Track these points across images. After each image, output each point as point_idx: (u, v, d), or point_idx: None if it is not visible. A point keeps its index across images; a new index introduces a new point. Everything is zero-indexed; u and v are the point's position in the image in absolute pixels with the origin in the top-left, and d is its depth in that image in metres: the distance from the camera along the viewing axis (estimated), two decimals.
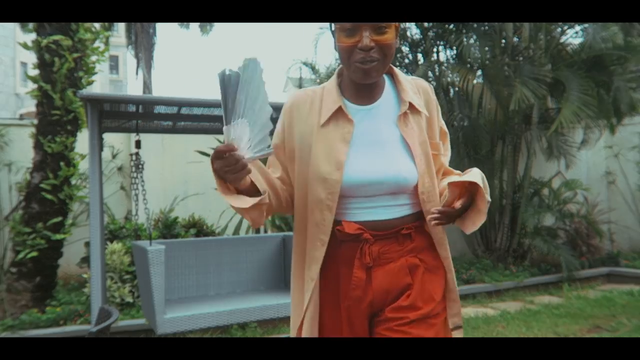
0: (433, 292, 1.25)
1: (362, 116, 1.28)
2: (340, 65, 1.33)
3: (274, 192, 1.28)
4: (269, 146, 1.17)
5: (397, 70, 1.36)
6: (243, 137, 1.13)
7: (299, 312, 1.27)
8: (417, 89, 1.34)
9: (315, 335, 1.23)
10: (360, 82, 1.25)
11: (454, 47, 6.22)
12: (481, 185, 1.18)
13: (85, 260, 4.95)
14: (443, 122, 1.40)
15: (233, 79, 1.13)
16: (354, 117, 1.27)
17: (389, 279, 1.23)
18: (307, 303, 1.24)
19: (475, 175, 1.19)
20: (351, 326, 1.23)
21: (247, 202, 1.16)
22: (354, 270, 1.23)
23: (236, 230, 5.47)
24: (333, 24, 1.26)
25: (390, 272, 1.23)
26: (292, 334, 1.29)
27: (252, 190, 1.20)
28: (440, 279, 1.28)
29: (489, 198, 1.20)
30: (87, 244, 4.73)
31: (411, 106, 1.29)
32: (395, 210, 1.26)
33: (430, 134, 1.32)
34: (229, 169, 1.11)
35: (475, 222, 1.22)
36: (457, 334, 1.28)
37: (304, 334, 1.23)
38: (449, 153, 1.39)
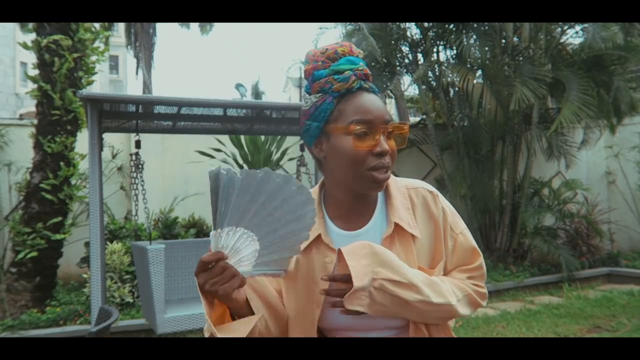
0: None
1: (347, 243, 1.03)
2: (322, 179, 1.14)
3: (271, 313, 1.07)
4: (285, 271, 0.99)
5: (391, 178, 1.12)
6: (240, 249, 0.97)
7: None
8: (411, 200, 1.11)
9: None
10: (369, 192, 1.08)
11: (454, 47, 6.22)
12: (346, 256, 0.98)
13: (85, 260, 4.95)
14: (462, 233, 1.13)
15: (227, 180, 0.97)
16: (338, 244, 1.05)
17: None
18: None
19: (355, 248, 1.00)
20: None
21: (238, 331, 0.98)
22: None
23: None
24: (333, 124, 1.03)
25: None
26: None
27: (246, 311, 1.02)
28: None
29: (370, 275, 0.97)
30: (87, 244, 4.73)
31: (397, 228, 1.07)
32: (393, 334, 1.10)
33: (428, 255, 1.10)
34: (215, 280, 0.92)
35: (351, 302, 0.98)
36: None
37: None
38: (475, 269, 1.13)
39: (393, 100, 8.21)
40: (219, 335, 0.95)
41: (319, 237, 1.07)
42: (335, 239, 1.08)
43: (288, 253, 0.99)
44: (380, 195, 1.12)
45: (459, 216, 1.16)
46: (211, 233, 0.97)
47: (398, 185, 1.13)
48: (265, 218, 0.97)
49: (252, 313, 1.01)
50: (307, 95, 1.08)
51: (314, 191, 1.14)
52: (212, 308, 0.98)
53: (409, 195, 1.12)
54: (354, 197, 1.08)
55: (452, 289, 1.07)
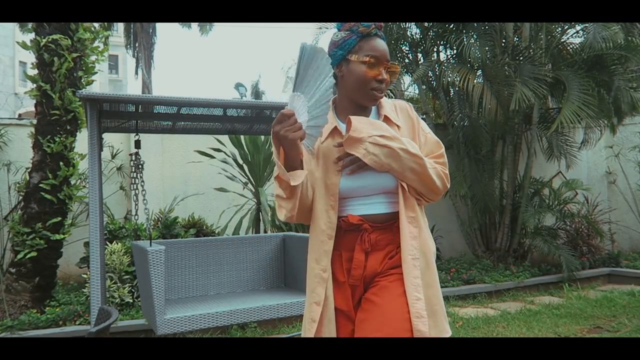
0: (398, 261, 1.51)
1: None
2: (334, 96, 1.58)
3: (308, 175, 1.50)
4: (313, 149, 1.43)
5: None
6: (300, 113, 1.32)
7: (315, 302, 1.50)
8: (395, 107, 1.60)
9: (334, 335, 1.45)
10: (367, 104, 1.54)
11: (454, 47, 6.21)
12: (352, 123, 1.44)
13: (85, 260, 4.95)
14: (429, 133, 1.60)
15: (309, 52, 1.31)
16: (346, 133, 1.49)
17: (379, 261, 1.50)
18: (322, 305, 1.47)
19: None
20: (353, 296, 1.50)
21: (299, 176, 1.38)
22: (355, 254, 1.48)
23: (236, 230, 5.46)
24: (353, 54, 1.49)
25: (381, 256, 1.50)
26: (306, 322, 1.49)
27: (298, 165, 1.40)
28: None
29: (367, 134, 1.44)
30: (87, 244, 4.72)
31: (387, 119, 1.54)
32: (389, 206, 1.51)
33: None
34: (289, 128, 1.29)
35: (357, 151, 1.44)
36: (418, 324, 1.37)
37: (324, 334, 1.44)
38: (439, 155, 1.58)
39: None
40: (287, 177, 1.36)
41: (334, 128, 1.53)
42: (345, 129, 1.50)
43: (316, 132, 1.40)
44: (374, 109, 1.59)
45: (427, 124, 1.64)
46: (290, 94, 1.33)
47: (386, 99, 1.61)
48: (314, 92, 1.36)
49: (302, 168, 1.40)
50: (338, 31, 1.52)
51: (330, 104, 1.51)
52: (279, 155, 1.36)
53: (393, 104, 1.62)
54: (356, 107, 1.54)
55: (425, 158, 1.49)
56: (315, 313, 1.46)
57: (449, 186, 1.56)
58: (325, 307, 1.46)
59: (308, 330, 1.46)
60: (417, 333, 1.30)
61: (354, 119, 1.45)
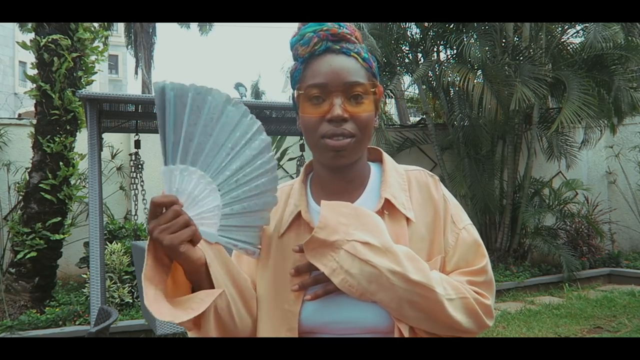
0: None
1: None
2: (309, 160, 1.05)
3: (237, 293, 0.91)
4: (258, 248, 0.89)
5: (388, 157, 1.02)
6: (199, 199, 0.83)
7: None
8: (409, 183, 0.98)
9: None
10: (330, 164, 0.93)
11: (454, 47, 6.22)
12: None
13: (85, 260, 4.95)
14: (466, 227, 0.97)
15: (175, 98, 0.80)
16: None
17: None
18: None
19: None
20: None
21: (189, 309, 0.81)
22: None
23: None
24: (296, 91, 0.94)
25: None
26: None
27: (205, 283, 0.86)
28: None
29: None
30: (87, 244, 4.72)
31: (388, 204, 0.93)
32: None
33: (424, 244, 0.93)
34: (164, 227, 0.79)
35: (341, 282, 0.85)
36: None
37: None
38: (478, 272, 0.97)
39: (393, 100, 8.22)
40: (157, 307, 0.78)
41: (299, 215, 0.95)
42: (317, 218, 0.89)
43: (257, 221, 0.87)
44: (375, 177, 0.99)
45: (464, 210, 1.00)
46: (162, 169, 0.80)
47: (396, 166, 1.01)
48: (224, 161, 0.83)
49: (213, 287, 0.85)
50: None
51: (303, 169, 1.05)
52: (155, 270, 0.83)
53: (407, 176, 0.98)
54: (331, 173, 0.96)
55: (441, 282, 0.88)
56: None
57: (490, 323, 0.98)
58: None
59: None
60: None
61: (327, 206, 0.87)
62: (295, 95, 0.95)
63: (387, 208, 0.93)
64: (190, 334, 0.88)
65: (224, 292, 0.86)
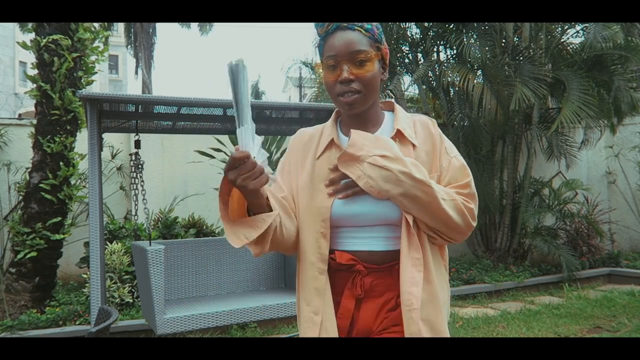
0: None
1: None
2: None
3: (285, 212, 1.23)
4: (265, 161, 1.11)
5: (399, 107, 1.36)
6: (256, 147, 1.05)
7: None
8: (414, 122, 1.32)
9: None
10: (347, 113, 1.28)
11: (454, 47, 6.21)
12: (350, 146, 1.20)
13: (85, 260, 4.95)
14: (456, 156, 1.30)
15: (242, 71, 1.04)
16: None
17: (374, 312, 1.23)
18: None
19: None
20: None
21: (257, 228, 1.10)
22: (343, 299, 1.23)
23: None
24: (322, 59, 1.28)
25: (378, 305, 1.23)
26: None
27: (265, 209, 1.14)
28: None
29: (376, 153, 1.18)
30: (87, 244, 4.72)
31: (400, 134, 1.27)
32: (390, 242, 1.23)
33: (425, 166, 1.25)
34: (247, 176, 1.02)
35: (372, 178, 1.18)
36: None
37: None
38: (464, 185, 1.27)
39: (393, 100, 8.19)
40: (243, 239, 1.08)
41: (331, 142, 1.29)
42: (345, 144, 1.26)
43: (258, 142, 1.09)
44: (388, 120, 1.33)
45: (454, 145, 1.34)
46: (238, 129, 1.04)
47: (405, 112, 1.35)
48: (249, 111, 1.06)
49: (270, 211, 1.14)
50: None
51: (333, 114, 1.37)
52: (227, 210, 1.10)
53: (413, 118, 1.33)
54: (351, 118, 1.30)
55: (437, 187, 1.21)
56: None
57: (474, 224, 1.27)
58: None
59: None
60: None
61: (356, 133, 1.22)
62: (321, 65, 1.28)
63: (398, 137, 1.27)
64: (254, 249, 1.14)
65: (278, 213, 1.16)
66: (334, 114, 1.37)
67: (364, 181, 1.17)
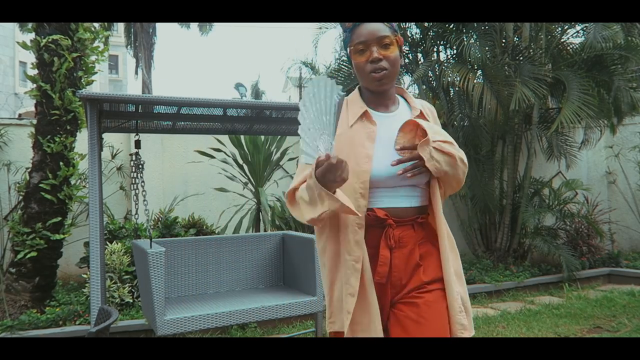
0: (435, 273, 1.50)
1: (382, 120, 1.53)
2: (359, 85, 1.61)
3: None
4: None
5: (407, 92, 1.67)
6: (331, 146, 1.32)
7: (350, 293, 1.42)
8: (424, 106, 1.64)
9: (381, 334, 1.34)
10: (376, 89, 1.52)
11: (454, 47, 6.21)
12: (426, 128, 1.46)
13: (85, 260, 4.95)
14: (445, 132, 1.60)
15: (340, 102, 1.42)
16: (376, 120, 1.51)
17: (404, 260, 1.47)
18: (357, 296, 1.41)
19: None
20: (379, 299, 1.44)
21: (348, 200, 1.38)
22: (381, 250, 1.45)
23: (236, 230, 5.47)
24: (348, 49, 1.52)
25: (405, 254, 1.47)
26: (343, 315, 1.41)
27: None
28: (437, 260, 1.51)
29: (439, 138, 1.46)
30: (87, 244, 4.72)
31: (421, 114, 1.57)
32: (413, 199, 1.50)
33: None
34: (342, 172, 1.28)
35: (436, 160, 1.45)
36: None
37: (372, 334, 1.34)
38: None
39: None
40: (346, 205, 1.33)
41: (364, 113, 1.51)
42: (374, 116, 1.53)
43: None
44: (402, 101, 1.62)
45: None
46: (330, 142, 1.31)
47: (413, 98, 1.64)
48: (327, 121, 1.34)
49: None
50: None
51: (353, 93, 1.60)
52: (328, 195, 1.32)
53: (421, 103, 1.65)
54: (375, 95, 1.55)
55: (464, 157, 1.56)
56: (350, 305, 1.41)
57: (466, 170, 1.62)
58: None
59: (344, 323, 1.41)
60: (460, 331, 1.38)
61: (420, 120, 1.48)
62: (348, 52, 1.53)
63: (421, 117, 1.55)
64: (317, 226, 1.49)
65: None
66: (356, 90, 1.60)
67: (431, 163, 1.43)
